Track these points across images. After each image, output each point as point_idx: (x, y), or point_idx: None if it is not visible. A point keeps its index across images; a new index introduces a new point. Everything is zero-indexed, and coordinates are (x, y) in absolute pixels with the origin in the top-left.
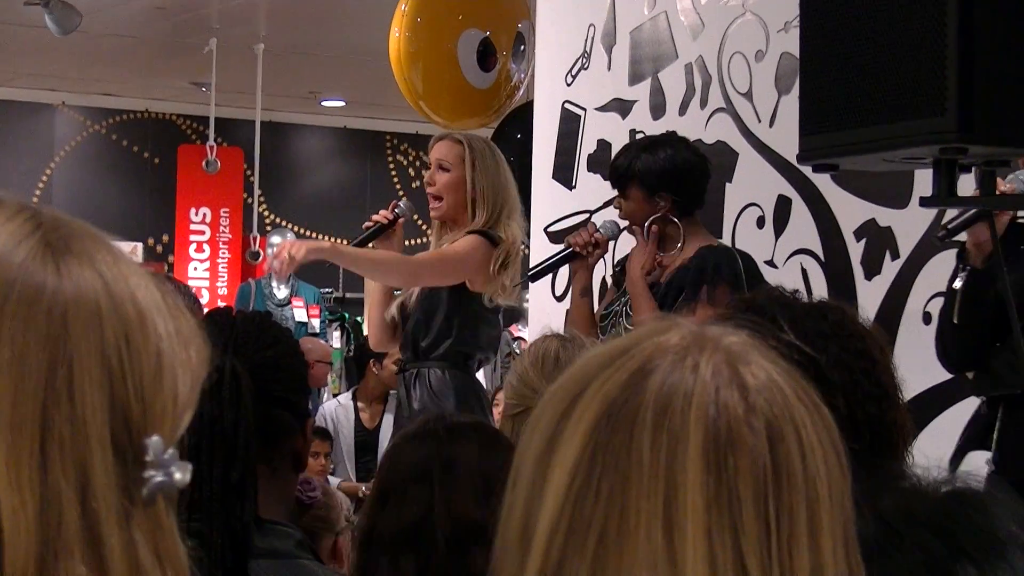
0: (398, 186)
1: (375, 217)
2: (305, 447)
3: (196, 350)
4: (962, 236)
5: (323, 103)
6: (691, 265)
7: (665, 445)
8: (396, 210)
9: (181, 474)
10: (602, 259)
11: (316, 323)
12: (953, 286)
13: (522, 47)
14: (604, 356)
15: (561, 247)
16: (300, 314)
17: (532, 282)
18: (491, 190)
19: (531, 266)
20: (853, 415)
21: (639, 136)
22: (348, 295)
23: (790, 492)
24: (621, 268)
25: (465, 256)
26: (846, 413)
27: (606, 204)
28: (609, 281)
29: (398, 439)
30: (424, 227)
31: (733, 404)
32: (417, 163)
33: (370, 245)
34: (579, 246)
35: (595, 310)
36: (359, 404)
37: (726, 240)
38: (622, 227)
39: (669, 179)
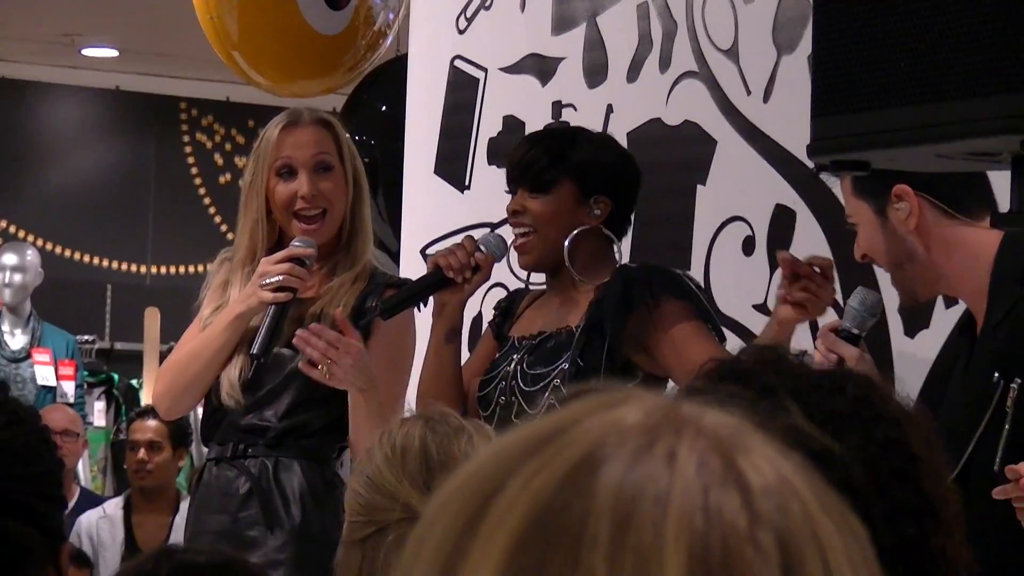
0: (198, 180)
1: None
2: None
3: None
4: None
5: (84, 52)
6: (609, 290)
7: (630, 573)
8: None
9: None
10: (480, 290)
11: (69, 388)
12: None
13: None
14: (525, 441)
15: (429, 270)
16: (44, 373)
17: (386, 317)
18: (362, 186)
19: (384, 296)
20: (879, 537)
21: (566, 109)
22: (118, 346)
23: None
24: (505, 310)
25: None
26: (868, 532)
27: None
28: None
29: None
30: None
31: (731, 512)
32: (227, 144)
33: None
34: (452, 269)
35: (462, 364)
36: (133, 516)
37: (697, 273)
38: (511, 244)
39: (616, 178)
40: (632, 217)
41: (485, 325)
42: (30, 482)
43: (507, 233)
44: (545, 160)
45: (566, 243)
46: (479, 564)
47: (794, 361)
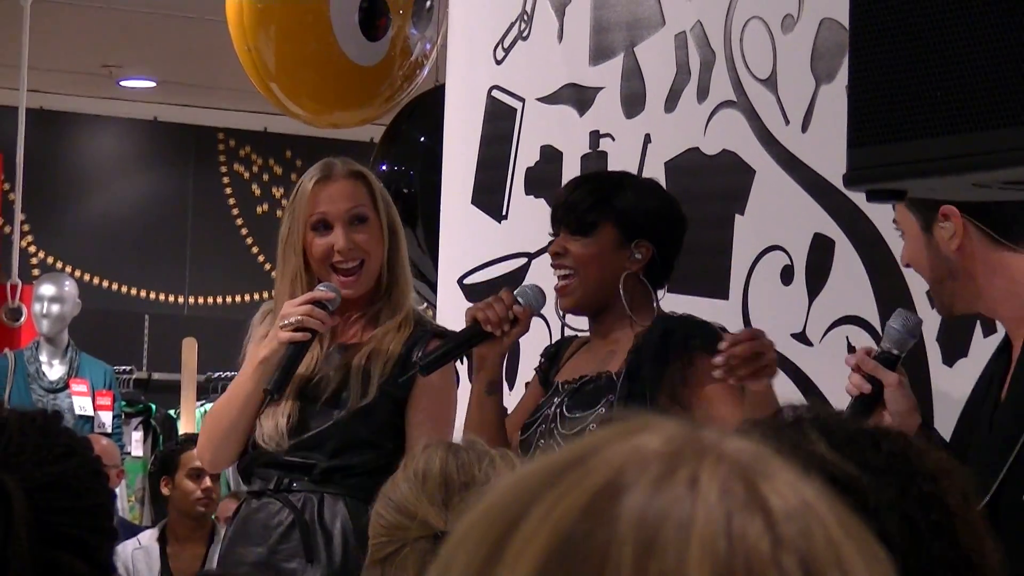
0: (235, 211)
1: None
2: None
3: None
4: None
5: (123, 83)
6: (650, 335)
7: None
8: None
9: None
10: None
11: (107, 418)
12: None
13: (428, 3)
14: (547, 470)
15: (467, 324)
16: (82, 403)
17: (426, 374)
18: (399, 233)
19: (426, 352)
20: None
21: (604, 139)
22: (156, 376)
23: None
24: (552, 356)
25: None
26: None
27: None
28: (528, 374)
29: None
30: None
31: (754, 537)
32: (265, 175)
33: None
34: (491, 323)
35: (507, 415)
36: (169, 546)
37: (735, 303)
38: (556, 287)
39: (658, 223)
40: (674, 264)
41: (524, 356)
42: (81, 515)
43: (546, 277)
44: (588, 203)
45: (620, 285)
46: None
47: (829, 418)
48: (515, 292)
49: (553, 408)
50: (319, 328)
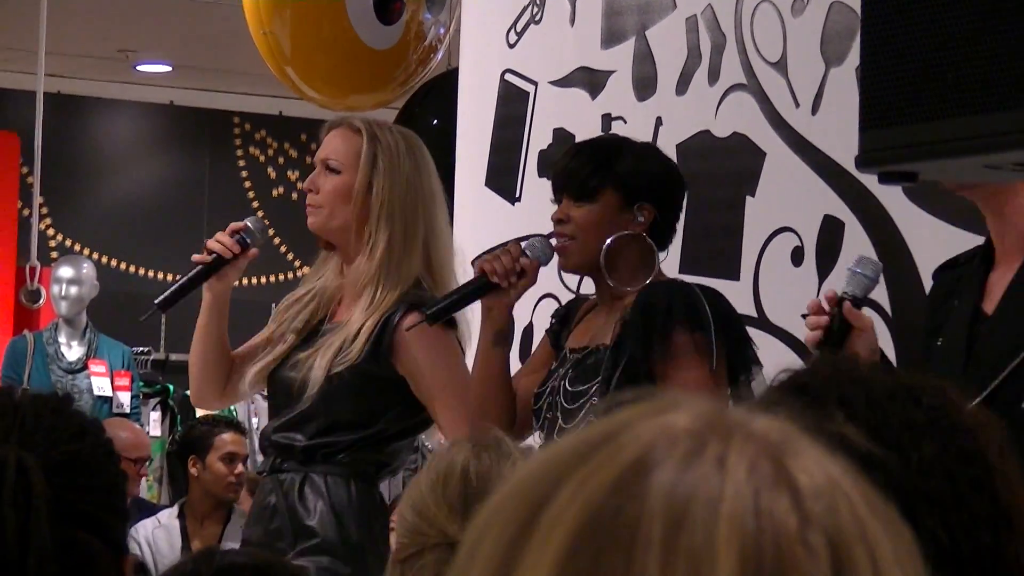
0: (251, 194)
1: (211, 244)
2: None
3: None
4: None
5: (139, 68)
6: (633, 311)
7: (682, 574)
8: (243, 234)
9: None
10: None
11: (125, 398)
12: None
13: None
14: (576, 447)
15: (475, 275)
16: (101, 384)
17: (432, 323)
18: (401, 204)
19: (433, 302)
20: (956, 546)
21: (616, 122)
22: (173, 357)
23: None
24: (563, 317)
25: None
26: (946, 542)
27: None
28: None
29: None
30: (290, 256)
31: (781, 514)
32: (280, 159)
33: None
34: (497, 275)
35: (514, 373)
36: (188, 524)
37: (747, 283)
38: (555, 246)
39: (659, 186)
40: (677, 226)
41: (539, 334)
42: (95, 494)
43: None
44: (588, 169)
45: (604, 246)
46: (534, 567)
47: (868, 371)
48: (523, 245)
49: (559, 380)
50: (223, 253)
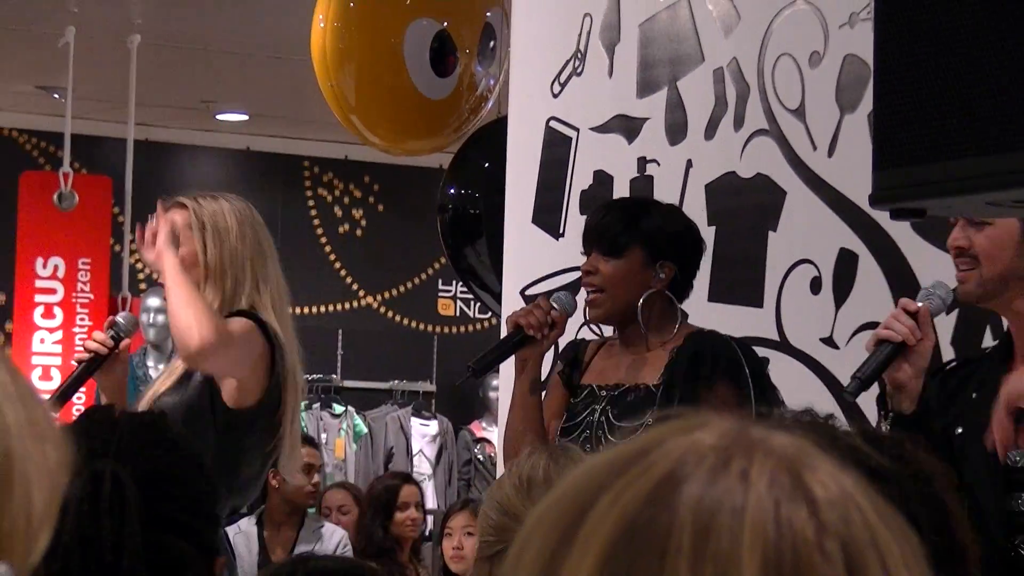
0: (319, 230)
1: (87, 344)
2: None
3: (54, 448)
4: None
5: (219, 116)
6: (681, 354)
7: None
8: (114, 329)
9: None
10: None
11: None
12: None
13: (491, 43)
14: (613, 462)
15: (509, 330)
16: None
17: (478, 376)
18: (226, 260)
19: (478, 356)
20: None
21: (650, 164)
22: None
23: None
24: (572, 360)
25: (244, 342)
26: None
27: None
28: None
29: None
30: (355, 287)
31: (800, 522)
32: (346, 198)
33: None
34: (532, 328)
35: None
36: (266, 530)
37: (770, 311)
38: (587, 299)
39: (679, 245)
40: (694, 282)
41: (550, 371)
42: (184, 502)
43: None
44: (619, 227)
45: (639, 304)
46: (575, 570)
47: (838, 427)
48: (551, 299)
49: (596, 415)
50: (99, 350)
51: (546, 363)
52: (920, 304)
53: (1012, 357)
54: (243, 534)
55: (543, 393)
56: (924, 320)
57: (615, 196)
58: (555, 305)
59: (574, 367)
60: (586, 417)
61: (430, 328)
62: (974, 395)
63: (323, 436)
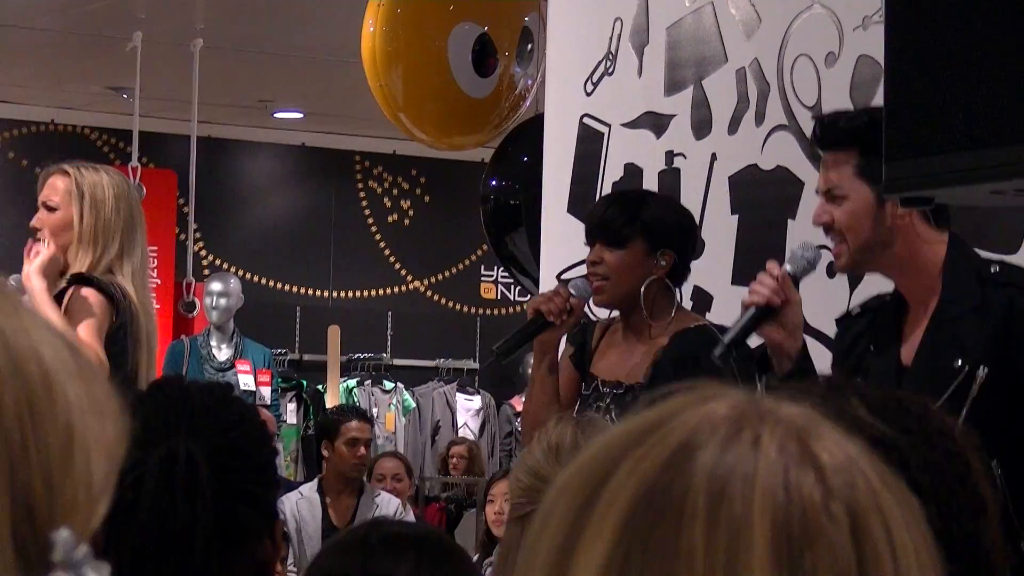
0: (370, 220)
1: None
2: (274, 555)
3: (112, 423)
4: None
5: (276, 115)
6: (665, 356)
7: (723, 540)
8: (574, 291)
9: None
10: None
11: (266, 392)
12: None
13: (529, 46)
14: (632, 432)
15: (530, 316)
16: (246, 380)
17: (503, 359)
18: (99, 229)
19: (501, 341)
20: (948, 530)
21: (677, 157)
22: (306, 357)
23: None
24: (582, 345)
25: (92, 325)
26: (939, 527)
27: None
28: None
29: (325, 548)
30: (403, 272)
31: (808, 487)
32: (395, 190)
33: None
34: (552, 314)
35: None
36: (327, 497)
37: None
38: (593, 286)
39: (677, 235)
40: (691, 266)
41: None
42: (252, 472)
43: None
44: (621, 220)
45: (641, 290)
46: (596, 534)
47: (862, 387)
48: (568, 286)
49: (601, 414)
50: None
51: None
52: (781, 268)
53: (906, 310)
54: (306, 499)
55: None
56: (785, 282)
57: (644, 187)
58: (573, 292)
59: (583, 350)
60: (593, 404)
61: (473, 310)
62: (872, 347)
63: (374, 411)
